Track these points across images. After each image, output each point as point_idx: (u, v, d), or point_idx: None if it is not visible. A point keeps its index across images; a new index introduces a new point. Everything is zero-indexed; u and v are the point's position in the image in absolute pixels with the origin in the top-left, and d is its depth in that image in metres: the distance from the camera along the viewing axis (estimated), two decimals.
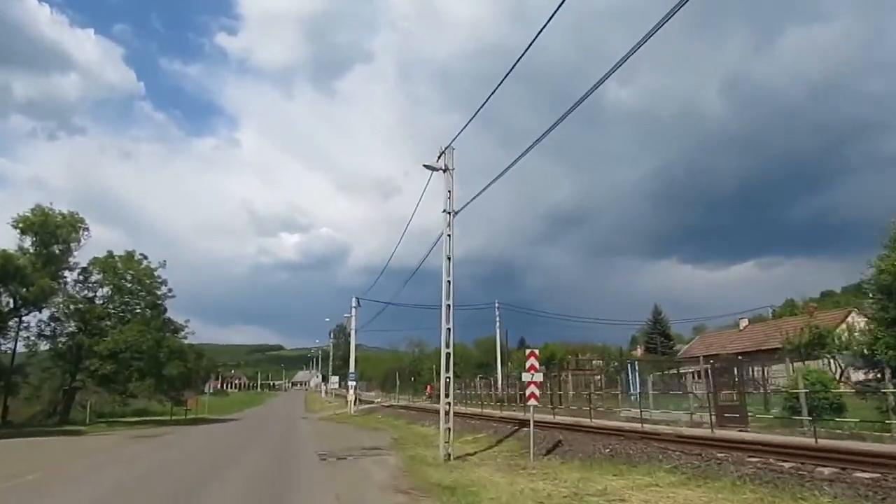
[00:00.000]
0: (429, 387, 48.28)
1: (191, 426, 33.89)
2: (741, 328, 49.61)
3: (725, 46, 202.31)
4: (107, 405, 41.14)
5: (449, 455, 15.08)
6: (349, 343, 47.72)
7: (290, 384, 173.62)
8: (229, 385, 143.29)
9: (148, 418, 41.44)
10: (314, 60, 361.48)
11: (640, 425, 18.56)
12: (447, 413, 15.39)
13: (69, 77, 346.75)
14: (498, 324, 47.91)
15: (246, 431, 29.57)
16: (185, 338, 41.00)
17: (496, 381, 43.55)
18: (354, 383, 40.52)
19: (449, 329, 15.42)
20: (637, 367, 32.96)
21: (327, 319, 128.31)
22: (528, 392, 15.11)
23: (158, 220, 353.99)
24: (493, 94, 12.52)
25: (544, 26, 9.26)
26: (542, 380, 17.42)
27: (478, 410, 33.01)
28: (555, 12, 8.79)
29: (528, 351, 16.16)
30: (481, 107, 13.18)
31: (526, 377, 14.97)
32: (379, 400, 56.61)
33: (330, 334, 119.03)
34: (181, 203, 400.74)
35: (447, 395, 15.61)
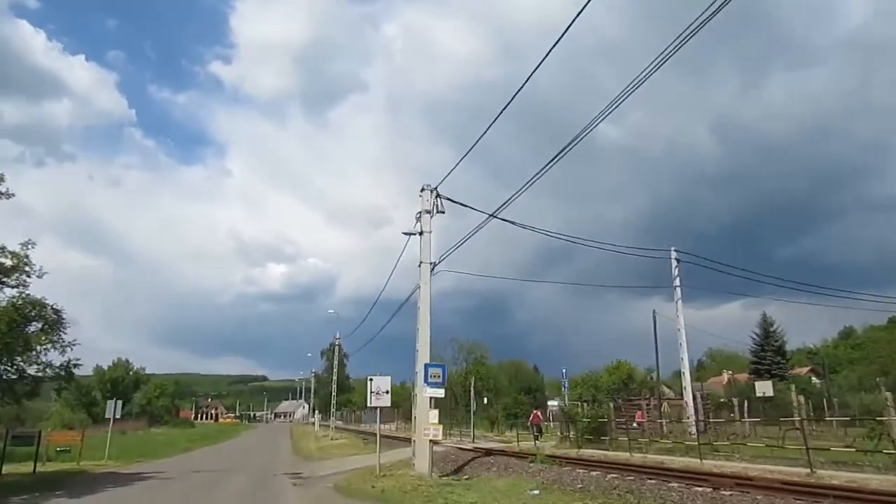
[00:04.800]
0: (538, 413, 27.07)
1: None
2: None
3: (715, 89, 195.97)
4: None
5: None
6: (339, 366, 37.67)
7: (273, 415, 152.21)
8: (205, 415, 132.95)
9: None
10: (306, 90, 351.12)
11: None
12: None
13: (62, 103, 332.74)
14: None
15: None
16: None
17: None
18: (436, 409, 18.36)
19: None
20: None
21: (309, 354, 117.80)
22: None
23: (144, 248, 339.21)
24: (482, 136, 13.18)
25: (537, 67, 9.62)
26: None
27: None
28: (548, 53, 9.14)
29: None
30: (470, 149, 13.48)
31: None
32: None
33: (322, 355, 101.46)
34: (168, 231, 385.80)
35: None
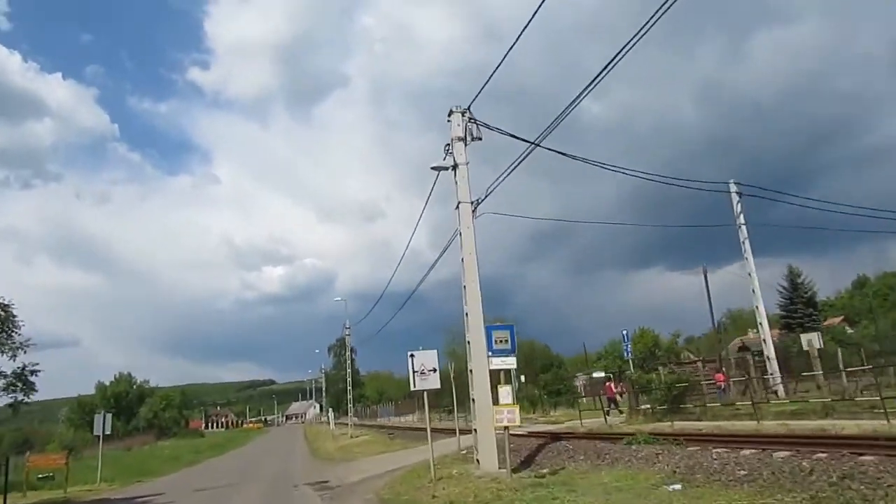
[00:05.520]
0: (610, 385, 23.20)
1: None
2: None
3: (697, 55, 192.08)
4: None
5: None
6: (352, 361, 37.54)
7: (284, 418, 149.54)
8: (215, 424, 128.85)
9: None
10: (288, 88, 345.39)
11: None
12: None
13: (43, 123, 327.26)
14: None
15: None
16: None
17: None
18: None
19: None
20: None
21: (317, 351, 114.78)
22: None
23: (138, 261, 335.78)
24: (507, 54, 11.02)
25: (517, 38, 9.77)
26: None
27: None
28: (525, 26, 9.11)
29: None
30: (494, 70, 11.64)
31: None
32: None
33: (329, 351, 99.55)
34: (160, 242, 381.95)
35: None
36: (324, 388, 75.99)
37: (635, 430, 14.99)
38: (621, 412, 21.47)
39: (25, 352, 17.06)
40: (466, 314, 12.40)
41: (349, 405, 38.44)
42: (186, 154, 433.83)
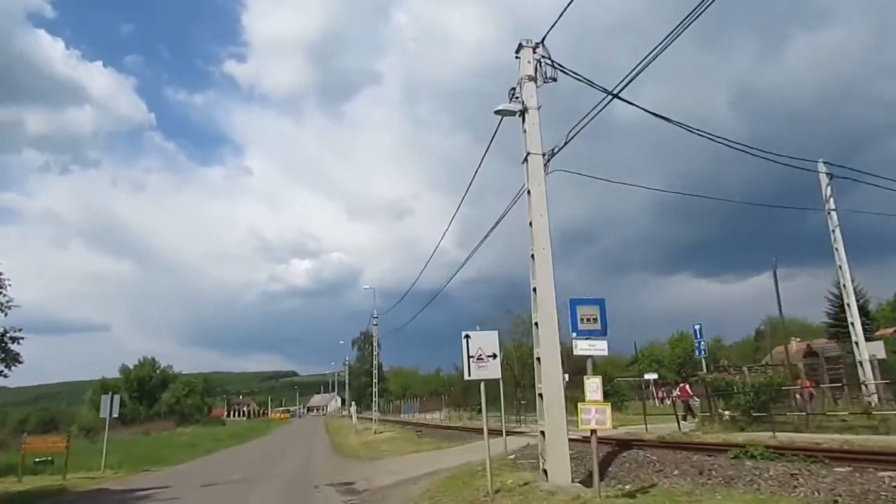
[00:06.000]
0: (686, 387, 20.42)
1: None
2: None
3: (732, 57, 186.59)
4: None
5: None
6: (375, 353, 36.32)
7: (305, 409, 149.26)
8: (237, 413, 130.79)
9: None
10: (321, 85, 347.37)
11: None
12: None
13: (84, 110, 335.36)
14: None
15: None
16: None
17: None
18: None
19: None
20: None
21: (342, 342, 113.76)
22: None
23: (168, 249, 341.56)
24: None
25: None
26: None
27: None
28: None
29: None
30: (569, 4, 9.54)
31: None
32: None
33: (353, 344, 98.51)
34: (191, 232, 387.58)
35: None
36: (347, 381, 74.16)
37: (724, 441, 12.40)
38: (695, 417, 18.82)
39: (6, 314, 15.17)
40: (534, 289, 10.00)
41: (374, 398, 36.21)
42: (220, 146, 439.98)
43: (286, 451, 29.16)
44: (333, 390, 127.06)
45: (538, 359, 9.88)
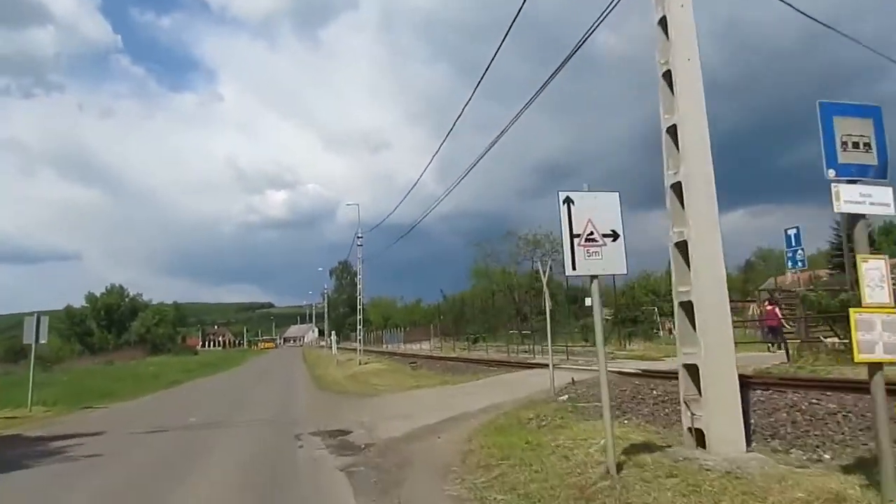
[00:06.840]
0: (775, 310, 16.33)
1: None
2: None
3: None
4: None
5: None
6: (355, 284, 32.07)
7: (282, 340, 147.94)
8: (212, 343, 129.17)
9: None
10: (296, 7, 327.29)
11: None
12: None
13: (46, 30, 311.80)
14: None
15: None
16: None
17: None
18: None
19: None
20: None
21: (320, 269, 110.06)
22: None
23: (141, 178, 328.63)
24: None
25: None
26: None
27: None
28: None
29: None
30: None
31: None
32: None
33: (331, 274, 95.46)
34: (164, 160, 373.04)
35: None
36: (326, 311, 70.66)
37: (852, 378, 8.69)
38: (780, 348, 15.32)
39: None
40: (669, 129, 5.82)
41: (359, 325, 32.47)
42: (191, 71, 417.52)
43: (260, 384, 25.45)
44: (312, 321, 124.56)
45: (678, 244, 5.81)
